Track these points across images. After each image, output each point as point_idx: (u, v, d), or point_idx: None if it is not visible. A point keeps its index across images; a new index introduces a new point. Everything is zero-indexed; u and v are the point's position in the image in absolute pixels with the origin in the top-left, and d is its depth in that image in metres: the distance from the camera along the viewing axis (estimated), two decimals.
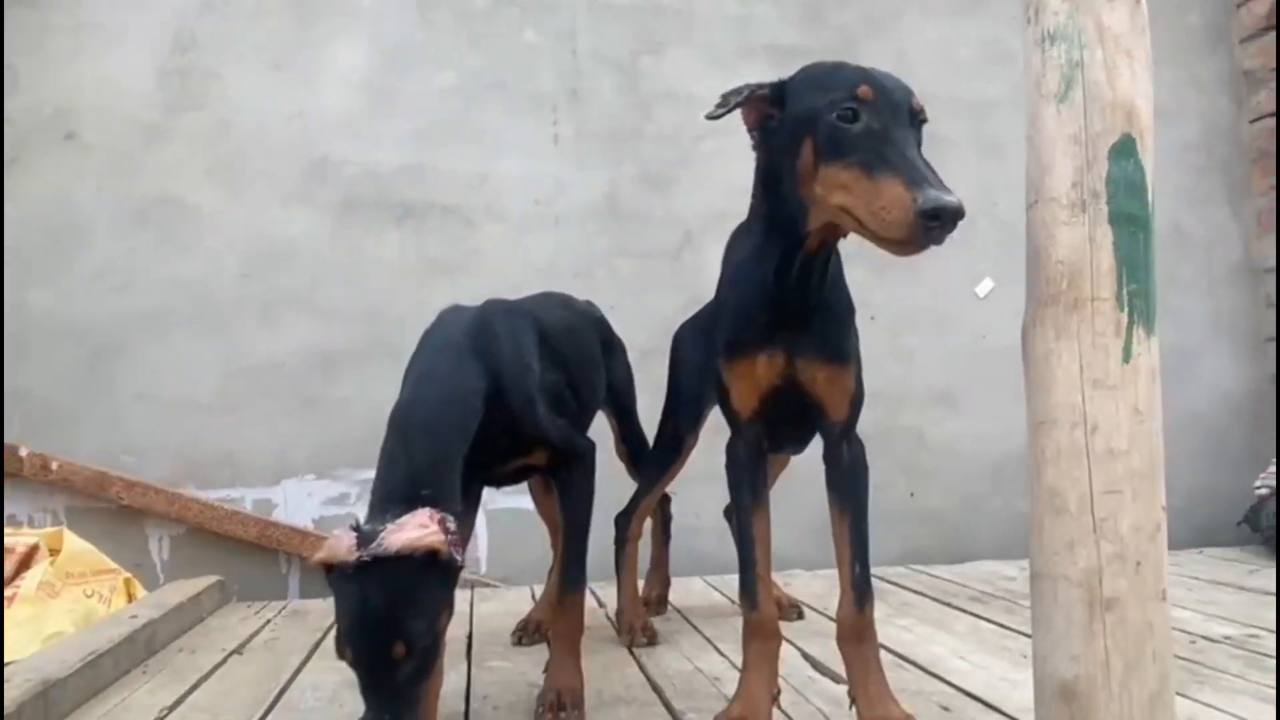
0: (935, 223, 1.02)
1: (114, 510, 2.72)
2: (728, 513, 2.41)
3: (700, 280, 3.05)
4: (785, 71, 1.34)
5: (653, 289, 3.11)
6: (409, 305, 2.97)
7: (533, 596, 2.61)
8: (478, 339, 1.47)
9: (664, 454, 2.12)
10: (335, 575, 1.15)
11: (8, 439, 2.68)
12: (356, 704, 1.61)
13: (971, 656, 1.81)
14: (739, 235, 1.47)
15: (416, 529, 1.15)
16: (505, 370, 1.46)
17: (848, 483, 1.42)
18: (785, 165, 1.23)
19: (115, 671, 1.82)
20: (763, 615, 1.40)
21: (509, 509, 2.91)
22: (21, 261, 2.80)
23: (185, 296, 2.87)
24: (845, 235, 1.28)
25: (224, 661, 1.96)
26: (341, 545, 1.14)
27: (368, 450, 3.02)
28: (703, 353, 2.06)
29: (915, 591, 2.53)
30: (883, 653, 1.83)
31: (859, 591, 1.38)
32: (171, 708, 1.63)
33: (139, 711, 1.61)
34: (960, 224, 3.41)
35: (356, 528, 1.17)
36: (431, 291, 2.98)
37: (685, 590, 2.62)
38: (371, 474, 3.02)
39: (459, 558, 1.20)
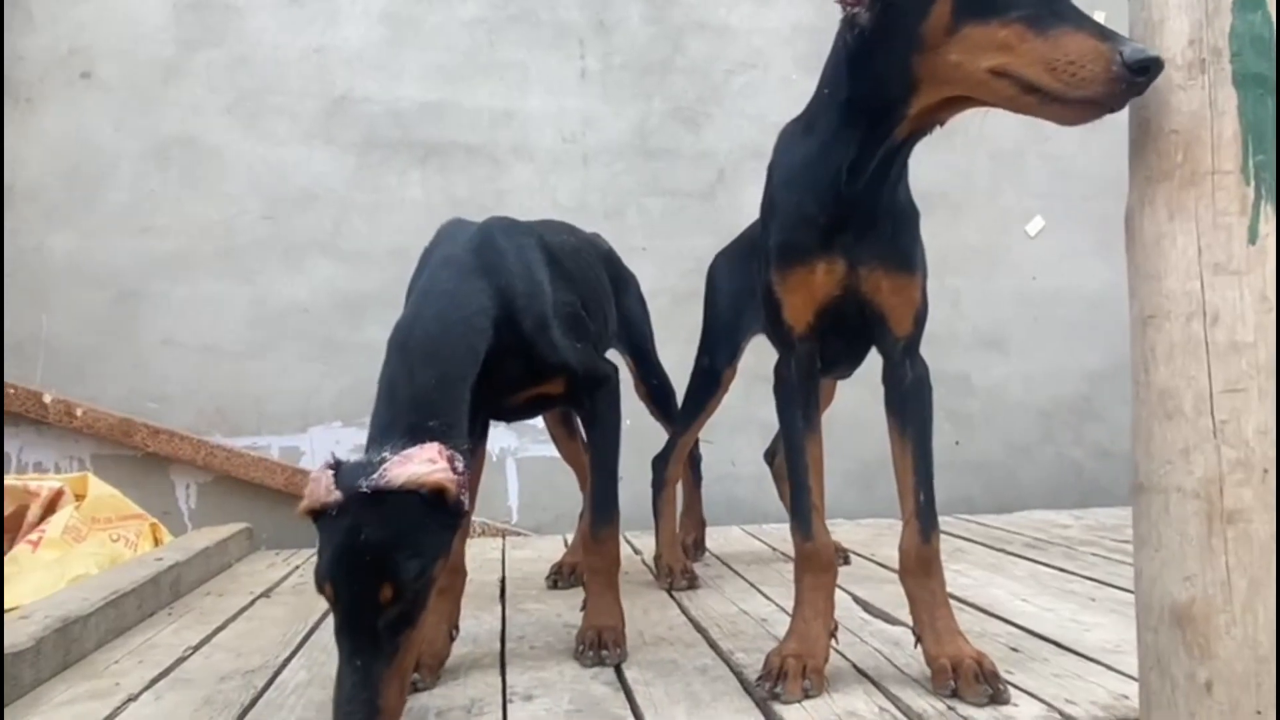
0: (1143, 77, 0.90)
1: (139, 458, 2.67)
2: (768, 455, 2.31)
3: (735, 219, 2.90)
4: (822, 3, 1.21)
5: (685, 229, 2.99)
6: None
7: (565, 544, 2.53)
8: (482, 255, 1.33)
9: (700, 391, 2.01)
10: (323, 520, 1.04)
11: (31, 385, 2.64)
12: None
13: (1035, 600, 1.70)
14: (793, 134, 1.34)
15: (424, 464, 1.04)
16: (514, 289, 1.34)
17: (911, 404, 1.31)
18: (898, 31, 1.09)
19: (139, 613, 1.76)
20: (817, 545, 1.30)
21: (541, 458, 2.83)
22: (41, 205, 2.74)
23: (208, 239, 2.80)
24: (943, 122, 1.16)
25: (251, 604, 1.90)
26: (320, 487, 1.03)
27: None
28: (740, 282, 1.95)
29: (965, 539, 2.42)
30: None
31: (924, 521, 1.27)
32: (197, 646, 1.57)
33: (164, 650, 1.55)
34: (1009, 159, 3.24)
35: (335, 465, 1.06)
36: None
37: (724, 538, 2.53)
38: None
39: (466, 501, 1.10)
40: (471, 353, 1.24)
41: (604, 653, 1.37)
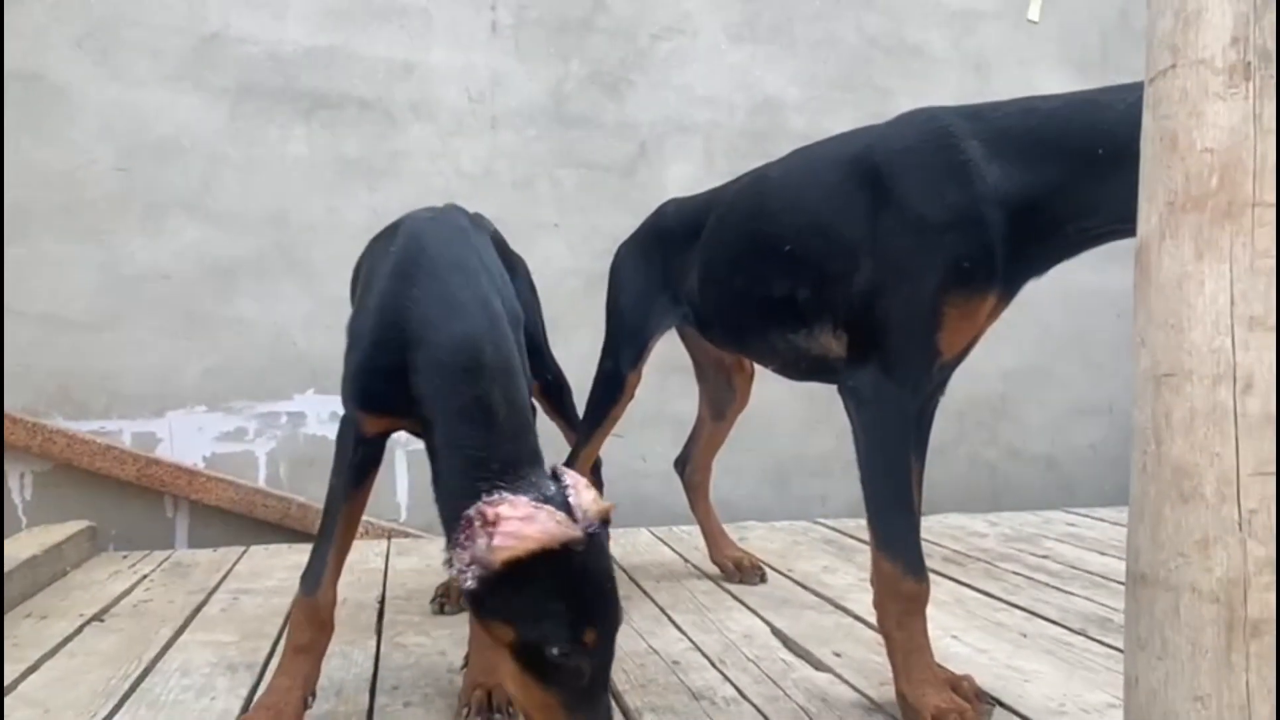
0: None
1: None
2: (680, 464, 2.14)
3: (655, 198, 2.70)
4: None
5: (601, 205, 2.77)
6: (319, 212, 2.58)
7: None
8: (483, 259, 1.23)
9: (603, 396, 1.81)
10: (551, 560, 0.89)
11: None
12: (230, 696, 1.31)
13: (967, 636, 1.57)
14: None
15: (590, 490, 0.97)
16: (522, 297, 1.31)
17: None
18: None
19: None
20: (925, 583, 1.20)
21: None
22: None
23: (51, 192, 2.42)
24: None
25: (78, 632, 1.62)
26: (553, 522, 0.90)
27: (270, 379, 2.65)
28: (648, 276, 1.76)
29: None
30: (864, 630, 1.60)
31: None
32: None
33: None
34: None
35: (546, 498, 0.93)
36: (346, 197, 2.60)
37: (630, 544, 2.36)
38: (276, 406, 2.57)
39: None
40: (524, 371, 1.16)
41: (499, 716, 1.18)
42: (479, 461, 0.99)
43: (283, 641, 1.55)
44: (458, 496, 0.97)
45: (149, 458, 2.38)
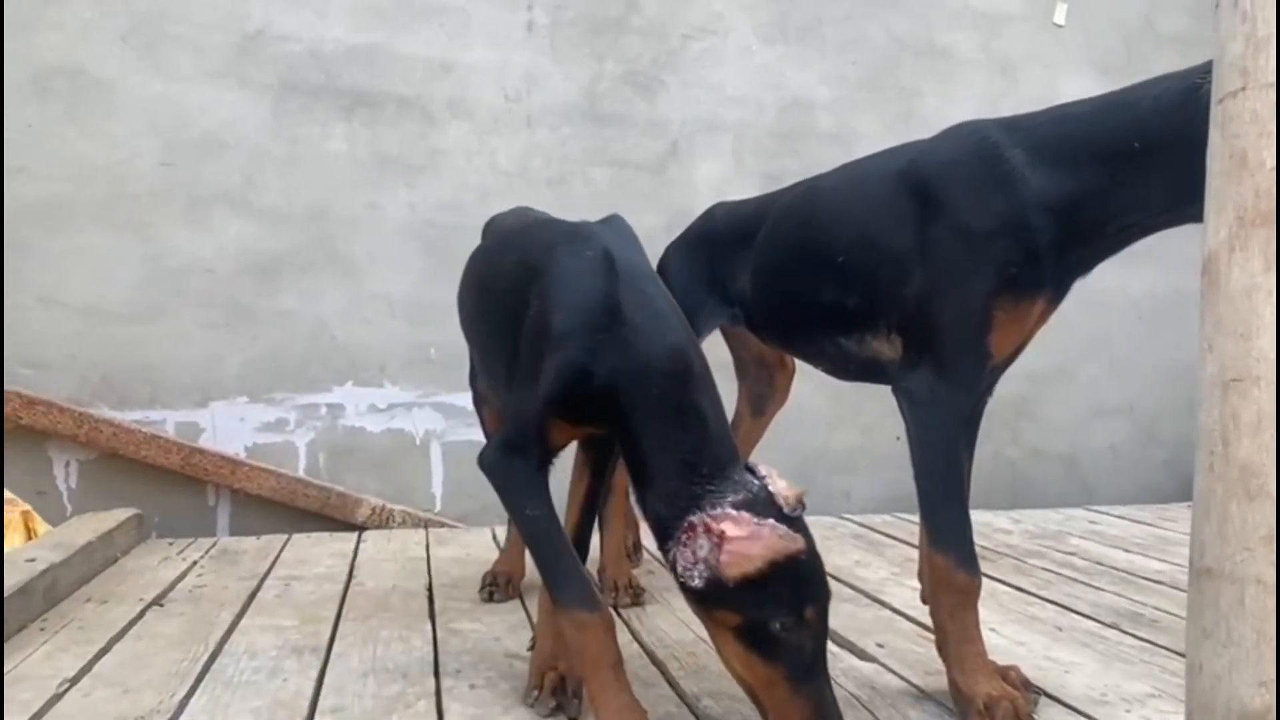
0: None
1: (11, 431, 2.36)
2: None
3: (686, 196, 2.76)
4: None
5: (634, 203, 2.80)
6: (358, 208, 2.62)
7: (494, 539, 2.37)
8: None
9: None
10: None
11: None
12: (300, 678, 1.36)
13: (1004, 629, 1.62)
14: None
15: (783, 479, 1.06)
16: None
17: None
18: None
19: (7, 629, 1.52)
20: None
21: (469, 441, 2.63)
22: None
23: (96, 185, 2.47)
24: None
25: (141, 616, 1.67)
26: (775, 538, 0.98)
27: (310, 371, 2.70)
28: (694, 276, 1.80)
29: (911, 543, 2.36)
30: (903, 623, 1.65)
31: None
32: (74, 679, 1.35)
33: (35, 683, 1.32)
34: None
35: (753, 495, 1.03)
36: (385, 193, 2.64)
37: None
38: (315, 398, 2.63)
39: None
40: None
41: (576, 701, 1.23)
42: (692, 465, 1.05)
43: (342, 625, 1.61)
44: (675, 498, 1.04)
45: (193, 447, 2.43)
